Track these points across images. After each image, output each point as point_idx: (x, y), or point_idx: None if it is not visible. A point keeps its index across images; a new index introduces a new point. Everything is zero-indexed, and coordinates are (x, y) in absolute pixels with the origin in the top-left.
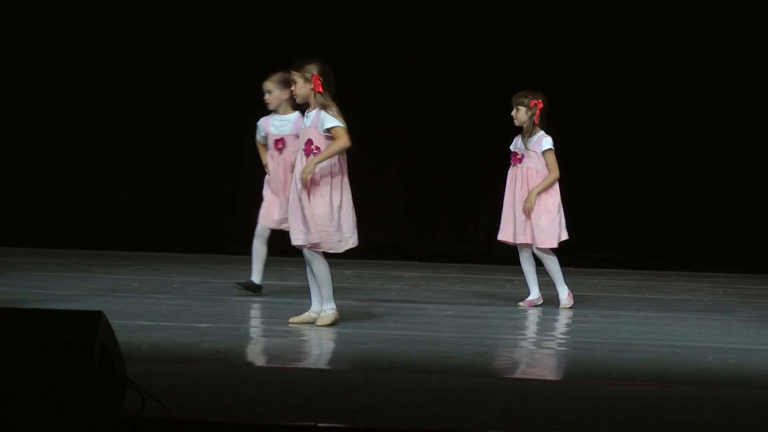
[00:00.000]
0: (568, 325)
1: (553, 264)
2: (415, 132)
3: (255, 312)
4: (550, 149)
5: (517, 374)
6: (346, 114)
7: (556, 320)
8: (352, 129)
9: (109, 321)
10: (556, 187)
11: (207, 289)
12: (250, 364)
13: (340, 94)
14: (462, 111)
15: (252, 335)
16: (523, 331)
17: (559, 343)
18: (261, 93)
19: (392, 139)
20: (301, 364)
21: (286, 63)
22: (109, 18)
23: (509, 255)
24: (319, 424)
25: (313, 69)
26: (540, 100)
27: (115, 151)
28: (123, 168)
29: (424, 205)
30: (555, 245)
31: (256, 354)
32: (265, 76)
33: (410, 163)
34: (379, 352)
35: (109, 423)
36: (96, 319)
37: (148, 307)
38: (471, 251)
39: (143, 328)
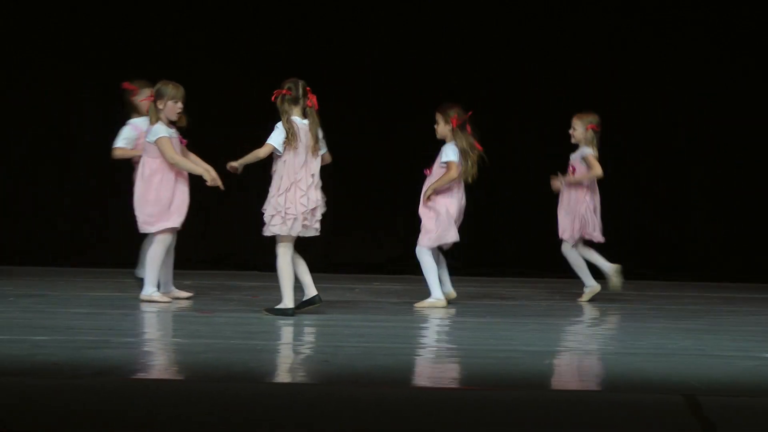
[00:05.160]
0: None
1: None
2: None
3: (94, 324)
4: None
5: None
6: None
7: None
8: None
9: None
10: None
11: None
12: (86, 376)
13: None
14: None
15: (88, 347)
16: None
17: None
18: None
19: None
20: (140, 375)
21: None
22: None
23: None
24: None
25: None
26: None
27: None
28: None
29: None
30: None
31: (91, 366)
32: None
33: None
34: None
35: None
36: None
37: None
38: None
39: None
